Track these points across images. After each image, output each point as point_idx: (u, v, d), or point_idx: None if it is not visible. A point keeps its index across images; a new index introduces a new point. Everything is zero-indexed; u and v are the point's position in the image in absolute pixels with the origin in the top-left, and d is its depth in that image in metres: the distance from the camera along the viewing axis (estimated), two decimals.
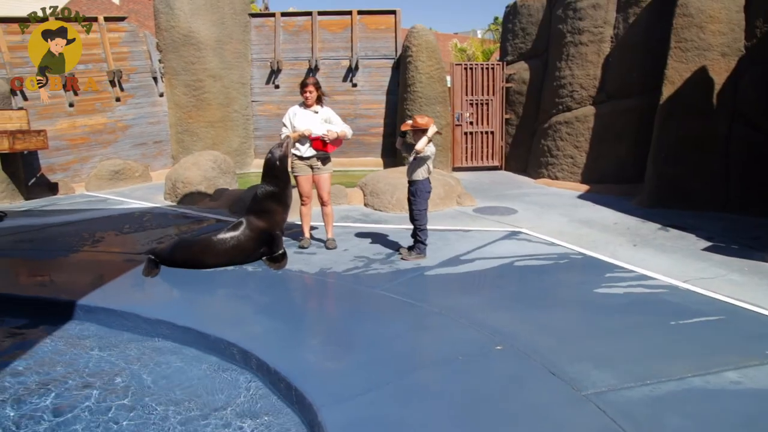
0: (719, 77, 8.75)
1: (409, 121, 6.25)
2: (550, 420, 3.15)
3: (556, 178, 11.30)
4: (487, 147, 13.19)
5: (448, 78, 13.00)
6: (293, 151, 6.52)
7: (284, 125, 6.68)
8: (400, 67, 13.01)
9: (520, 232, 7.43)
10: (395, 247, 6.70)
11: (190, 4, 12.71)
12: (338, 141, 6.65)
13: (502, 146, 13.19)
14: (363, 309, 4.88)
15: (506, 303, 4.93)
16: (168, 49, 12.81)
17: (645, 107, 9.96)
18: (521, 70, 12.86)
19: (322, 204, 6.78)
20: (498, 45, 21.30)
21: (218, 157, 10.61)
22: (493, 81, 12.91)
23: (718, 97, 8.76)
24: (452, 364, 3.76)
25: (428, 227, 6.30)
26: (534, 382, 3.54)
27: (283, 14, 14.16)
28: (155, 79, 12.93)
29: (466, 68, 12.96)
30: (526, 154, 12.62)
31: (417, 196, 6.24)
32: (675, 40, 9.01)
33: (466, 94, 12.90)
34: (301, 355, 3.90)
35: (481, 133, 13.09)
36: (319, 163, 6.63)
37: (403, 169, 10.00)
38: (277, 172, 6.22)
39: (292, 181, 6.53)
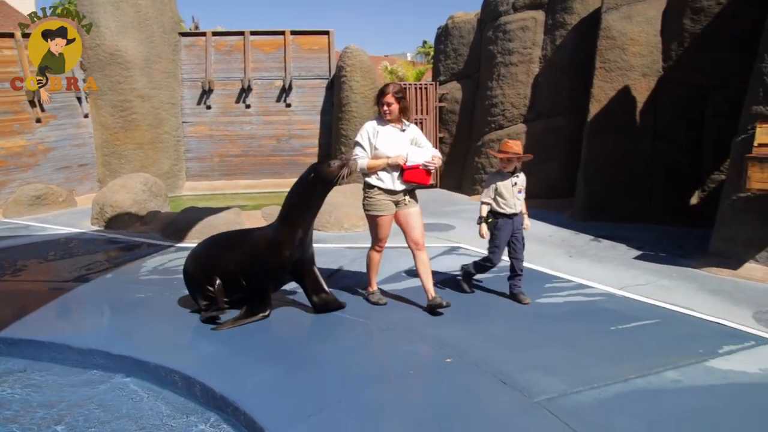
0: (641, 96, 9.19)
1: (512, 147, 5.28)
2: (504, 428, 3.17)
3: None
4: None
5: None
6: (375, 182, 4.95)
7: (359, 145, 4.99)
8: (334, 87, 13.05)
9: (459, 247, 7.51)
10: (336, 265, 6.64)
11: (117, 22, 12.36)
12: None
13: None
14: (310, 328, 4.78)
15: (452, 316, 4.93)
16: (93, 68, 12.37)
17: (574, 125, 10.34)
18: (454, 89, 13.14)
19: (417, 248, 5.05)
20: (429, 66, 21.73)
21: (149, 179, 10.27)
22: (427, 101, 13.13)
23: (640, 116, 9.19)
24: (404, 378, 3.72)
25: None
26: (486, 392, 3.56)
27: (215, 33, 13.98)
28: (79, 99, 12.45)
29: None
30: (460, 171, 12.84)
31: (521, 230, 5.44)
32: (599, 61, 9.43)
33: None
34: (249, 379, 3.77)
35: None
36: (407, 196, 5.06)
37: (341, 188, 9.97)
38: (310, 180, 4.72)
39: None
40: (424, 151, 5.01)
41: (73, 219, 10.19)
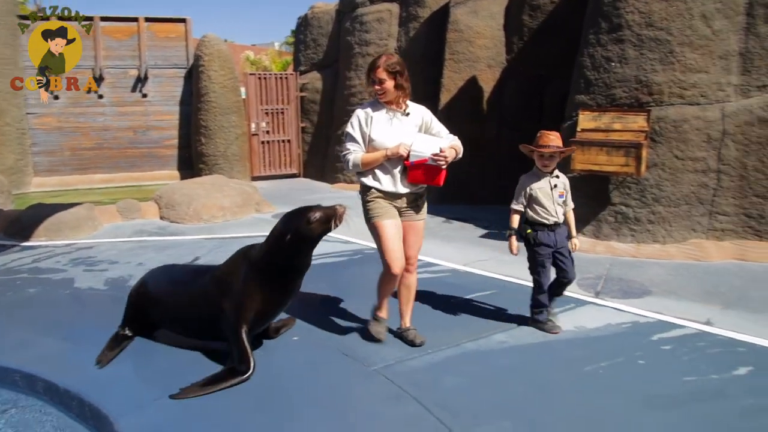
0: (487, 86, 9.87)
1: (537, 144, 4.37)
2: (344, 394, 3.42)
3: (351, 182, 11.84)
4: (285, 155, 13.43)
5: (242, 89, 13.03)
6: (371, 183, 3.93)
7: (352, 139, 3.94)
8: (193, 76, 12.75)
9: None
10: (193, 256, 6.60)
11: None
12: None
13: (299, 154, 13.51)
14: None
15: (304, 298, 5.11)
16: None
17: None
18: (314, 79, 13.30)
19: (407, 269, 4.07)
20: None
21: None
22: (288, 90, 13.19)
23: (487, 104, 9.87)
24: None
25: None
26: (328, 364, 3.80)
27: (60, 18, 13.10)
28: None
29: (260, 78, 13.08)
30: (322, 160, 13.07)
31: (566, 243, 4.46)
32: (449, 53, 9.99)
33: (261, 104, 13.02)
34: (93, 371, 3.74)
35: (278, 141, 13.30)
36: (412, 204, 4.03)
37: (201, 180, 9.85)
38: (287, 242, 3.70)
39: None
40: (435, 140, 3.90)
41: None
